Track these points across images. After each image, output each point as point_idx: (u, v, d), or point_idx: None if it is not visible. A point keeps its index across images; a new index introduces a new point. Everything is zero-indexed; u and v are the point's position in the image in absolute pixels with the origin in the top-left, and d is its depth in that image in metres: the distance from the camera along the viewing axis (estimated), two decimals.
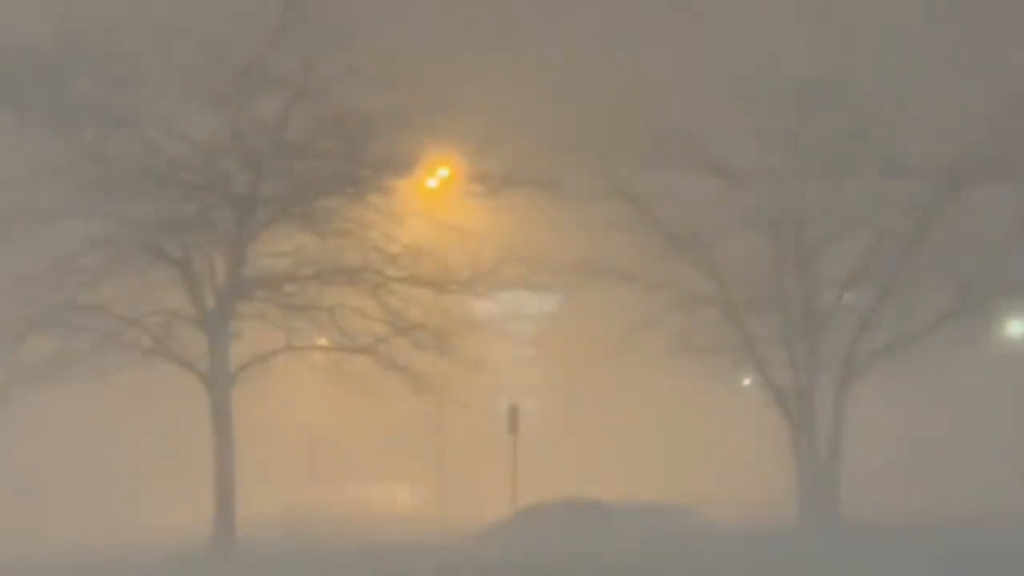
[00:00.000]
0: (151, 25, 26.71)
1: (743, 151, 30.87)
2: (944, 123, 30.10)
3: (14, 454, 39.43)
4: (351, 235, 28.81)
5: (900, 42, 30.13)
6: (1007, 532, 27.85)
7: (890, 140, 30.57)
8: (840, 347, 31.99)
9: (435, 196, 32.09)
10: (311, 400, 39.35)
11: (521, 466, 35.93)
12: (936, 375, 33.22)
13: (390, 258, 28.84)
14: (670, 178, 30.75)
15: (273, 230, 28.67)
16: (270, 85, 27.79)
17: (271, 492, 43.85)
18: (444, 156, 31.31)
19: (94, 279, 27.77)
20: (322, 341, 30.04)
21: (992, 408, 43.01)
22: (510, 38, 30.36)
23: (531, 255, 29.01)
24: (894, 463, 42.12)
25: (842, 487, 32.05)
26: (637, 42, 30.95)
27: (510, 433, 35.98)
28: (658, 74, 30.07)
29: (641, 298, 31.36)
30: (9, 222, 26.83)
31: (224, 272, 28.36)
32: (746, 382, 37.76)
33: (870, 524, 30.11)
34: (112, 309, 27.87)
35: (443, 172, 32.66)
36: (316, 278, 28.84)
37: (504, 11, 30.83)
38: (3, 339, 27.22)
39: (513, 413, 36.19)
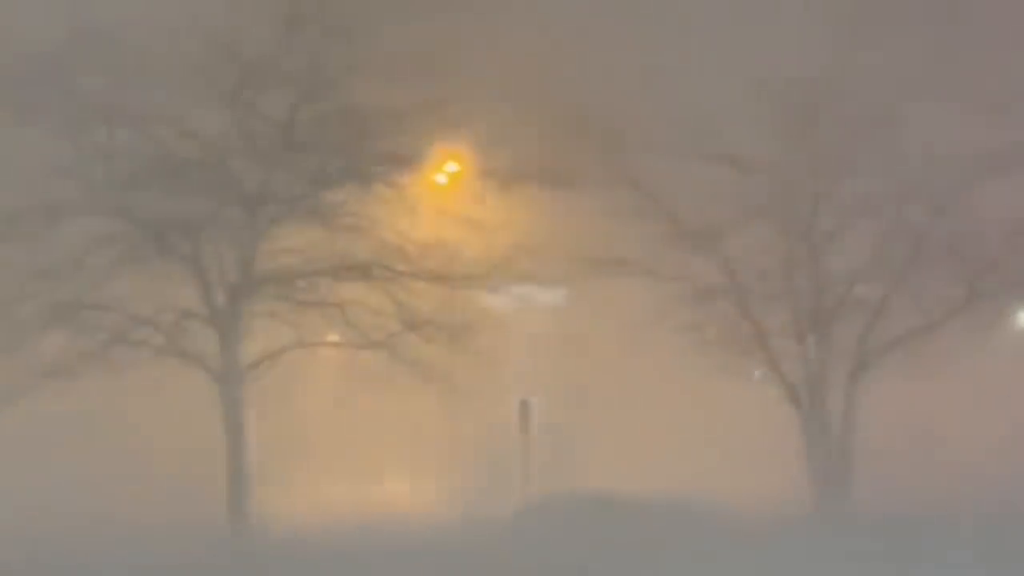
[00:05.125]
0: (159, 23, 26.74)
1: (754, 142, 30.81)
2: (954, 115, 30.03)
3: (22, 452, 39.39)
4: (361, 231, 28.81)
5: (910, 35, 30.07)
6: (1018, 524, 27.78)
7: (900, 132, 30.54)
8: (851, 339, 31.94)
9: (445, 191, 32.08)
10: (322, 397, 39.28)
11: (533, 462, 35.84)
12: (947, 367, 33.10)
13: (401, 253, 28.83)
14: (681, 169, 30.70)
15: (283, 227, 28.68)
16: (278, 82, 27.86)
17: (283, 489, 43.81)
18: (453, 151, 31.31)
19: (104, 277, 27.81)
20: (333, 337, 30.03)
21: (1003, 401, 42.90)
22: (517, 31, 30.33)
23: (542, 249, 29.01)
24: (906, 455, 42.03)
25: (854, 479, 32.03)
26: (649, 34, 30.91)
27: (521, 431, 35.91)
28: (670, 66, 30.03)
29: (652, 291, 31.31)
30: (19, 220, 26.90)
31: (234, 269, 28.39)
32: (756, 375, 37.67)
33: (883, 515, 30.07)
34: (122, 307, 27.91)
35: (452, 167, 32.67)
36: (326, 274, 28.84)
37: (511, 5, 30.80)
38: (13, 337, 27.23)
39: (524, 409, 36.11)
